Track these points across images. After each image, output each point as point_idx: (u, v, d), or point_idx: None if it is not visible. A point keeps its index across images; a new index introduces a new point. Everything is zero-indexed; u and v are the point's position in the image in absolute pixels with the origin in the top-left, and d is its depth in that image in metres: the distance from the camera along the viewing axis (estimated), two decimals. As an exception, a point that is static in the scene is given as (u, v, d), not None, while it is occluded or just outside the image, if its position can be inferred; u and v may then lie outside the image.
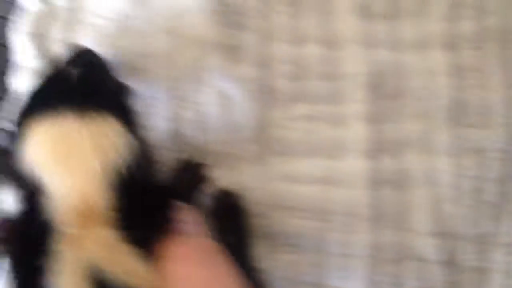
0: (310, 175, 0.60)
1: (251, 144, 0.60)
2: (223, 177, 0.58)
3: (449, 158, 0.60)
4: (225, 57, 0.59)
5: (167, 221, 0.45)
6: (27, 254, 0.43)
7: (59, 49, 0.59)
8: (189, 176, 0.55)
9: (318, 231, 0.59)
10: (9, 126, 0.48)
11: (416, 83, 0.61)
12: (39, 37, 0.60)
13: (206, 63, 0.60)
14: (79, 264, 0.40)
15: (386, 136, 0.60)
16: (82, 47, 0.53)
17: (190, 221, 0.46)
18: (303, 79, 0.61)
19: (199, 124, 0.60)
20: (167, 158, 0.57)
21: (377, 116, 0.60)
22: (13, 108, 0.52)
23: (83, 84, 0.46)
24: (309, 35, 0.61)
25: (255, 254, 0.57)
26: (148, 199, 0.45)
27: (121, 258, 0.41)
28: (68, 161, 0.43)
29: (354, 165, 0.60)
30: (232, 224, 0.56)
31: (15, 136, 0.45)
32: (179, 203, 0.46)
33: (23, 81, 0.59)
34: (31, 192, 0.43)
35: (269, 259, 0.59)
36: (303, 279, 0.59)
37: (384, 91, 0.61)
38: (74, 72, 0.47)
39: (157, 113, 0.60)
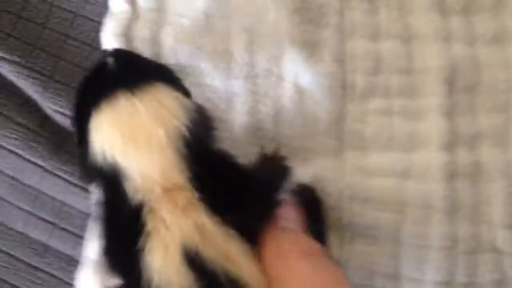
0: (386, 168, 0.61)
1: (327, 138, 0.61)
2: (299, 170, 0.60)
3: (525, 151, 0.60)
4: (304, 53, 0.60)
5: (266, 213, 0.46)
6: (119, 240, 0.45)
7: (144, 48, 0.62)
8: (274, 169, 0.57)
9: (394, 223, 0.60)
10: None
11: (491, 76, 0.62)
12: (124, 37, 0.62)
13: (284, 59, 0.62)
14: (173, 245, 0.42)
15: (461, 129, 0.61)
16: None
17: (291, 216, 0.48)
18: (380, 73, 0.62)
19: (276, 119, 0.62)
20: (246, 152, 0.59)
21: (453, 110, 0.61)
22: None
23: (123, 65, 0.48)
24: (385, 31, 0.62)
25: (332, 246, 0.59)
26: (229, 177, 0.46)
27: (215, 240, 0.43)
28: (137, 140, 0.44)
29: (430, 158, 0.60)
30: (313, 217, 0.57)
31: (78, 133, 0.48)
32: (278, 196, 0.48)
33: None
34: (111, 180, 0.45)
35: (345, 251, 0.60)
36: (379, 270, 0.60)
37: (459, 84, 0.61)
38: (111, 58, 0.49)
39: (236, 108, 0.62)
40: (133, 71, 0.48)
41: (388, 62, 0.62)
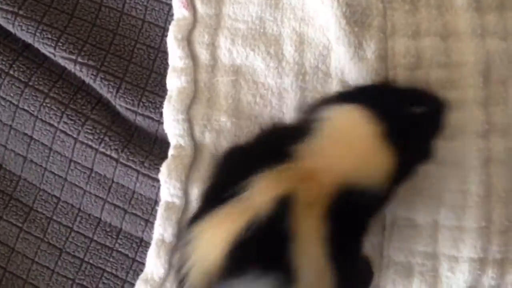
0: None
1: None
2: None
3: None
4: (349, 52, 0.66)
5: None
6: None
7: (203, 51, 0.69)
8: None
9: (433, 206, 0.65)
10: None
11: None
12: (185, 41, 0.69)
13: (331, 58, 0.68)
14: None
15: (496, 118, 0.66)
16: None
17: None
18: (420, 68, 0.66)
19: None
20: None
21: (488, 100, 0.66)
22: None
23: None
24: (425, 29, 0.67)
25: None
26: None
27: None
28: None
29: (467, 145, 0.65)
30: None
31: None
32: None
33: (174, 81, 0.69)
34: None
35: (387, 232, 0.66)
36: (419, 249, 0.66)
37: (494, 77, 0.66)
38: None
39: (287, 103, 0.68)
40: None
41: (427, 57, 0.66)
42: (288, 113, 0.68)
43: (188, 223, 0.57)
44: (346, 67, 0.67)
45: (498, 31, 0.67)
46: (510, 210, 0.65)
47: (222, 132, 0.68)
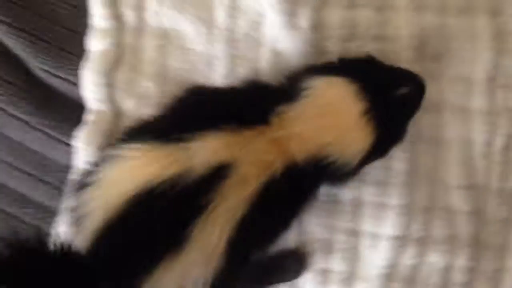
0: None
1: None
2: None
3: (484, 117, 0.65)
4: (282, 20, 0.63)
5: None
6: None
7: (128, 12, 0.65)
8: None
9: (355, 185, 0.64)
10: None
11: (458, 46, 0.65)
12: (110, 1, 0.65)
13: (264, 25, 0.65)
14: None
15: (428, 94, 0.65)
16: None
17: None
18: (356, 40, 0.65)
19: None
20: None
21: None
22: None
23: None
24: (361, 0, 0.65)
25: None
26: None
27: None
28: None
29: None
30: None
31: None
32: None
33: (96, 43, 0.65)
34: None
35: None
36: (340, 225, 0.65)
37: (428, 53, 0.65)
38: None
39: (216, 70, 0.65)
40: None
41: (362, 29, 0.65)
42: (218, 81, 0.65)
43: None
44: (279, 35, 0.64)
45: (434, 6, 0.65)
46: (433, 189, 0.65)
47: (145, 98, 0.65)
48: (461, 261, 0.65)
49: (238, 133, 0.51)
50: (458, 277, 0.65)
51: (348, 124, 0.53)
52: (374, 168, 0.63)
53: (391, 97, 0.55)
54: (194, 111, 0.57)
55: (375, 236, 0.65)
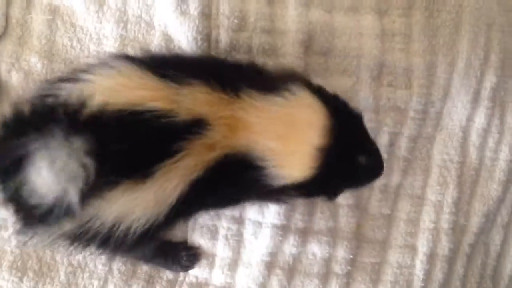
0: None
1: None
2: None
3: (370, 114, 0.66)
4: (173, 4, 0.63)
5: None
6: None
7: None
8: None
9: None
10: None
11: (345, 43, 0.67)
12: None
13: (155, 8, 0.65)
14: None
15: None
16: None
17: None
18: (245, 31, 0.65)
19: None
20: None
21: (308, 71, 0.66)
22: None
23: None
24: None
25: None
26: None
27: None
28: None
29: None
30: None
31: None
32: None
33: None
34: None
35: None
36: (226, 213, 0.66)
37: (315, 48, 0.66)
38: None
39: (106, 51, 0.65)
40: None
41: (252, 21, 0.66)
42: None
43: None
44: (169, 20, 0.65)
45: (323, 3, 0.67)
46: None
47: (31, 74, 0.65)
48: (341, 252, 0.67)
49: (216, 93, 0.50)
50: (338, 267, 0.67)
51: (300, 147, 0.51)
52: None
53: (351, 158, 0.53)
54: (185, 61, 0.58)
55: (258, 224, 0.67)
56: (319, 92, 0.53)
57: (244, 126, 0.50)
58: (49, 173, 0.42)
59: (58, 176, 0.42)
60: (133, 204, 0.48)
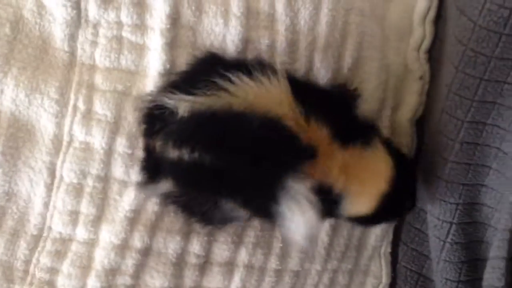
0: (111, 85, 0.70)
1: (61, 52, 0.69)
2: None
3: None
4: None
5: None
6: None
7: None
8: None
9: (110, 132, 0.70)
10: None
11: (211, 20, 0.70)
12: None
13: None
14: None
15: (181, 60, 0.69)
16: None
17: None
18: (112, 3, 0.68)
19: (15, 31, 0.67)
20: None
21: (176, 43, 0.69)
22: None
23: None
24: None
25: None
26: None
27: None
28: None
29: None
30: None
31: None
32: None
33: None
34: None
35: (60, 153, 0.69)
36: (91, 171, 0.70)
37: (183, 21, 0.69)
38: None
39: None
40: None
41: None
42: None
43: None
44: None
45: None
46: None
47: None
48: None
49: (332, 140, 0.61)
50: (199, 226, 0.72)
51: (370, 191, 0.64)
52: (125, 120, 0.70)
53: (401, 203, 0.70)
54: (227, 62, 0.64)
55: (123, 183, 0.71)
56: (387, 144, 0.67)
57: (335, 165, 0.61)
58: None
59: None
60: None
